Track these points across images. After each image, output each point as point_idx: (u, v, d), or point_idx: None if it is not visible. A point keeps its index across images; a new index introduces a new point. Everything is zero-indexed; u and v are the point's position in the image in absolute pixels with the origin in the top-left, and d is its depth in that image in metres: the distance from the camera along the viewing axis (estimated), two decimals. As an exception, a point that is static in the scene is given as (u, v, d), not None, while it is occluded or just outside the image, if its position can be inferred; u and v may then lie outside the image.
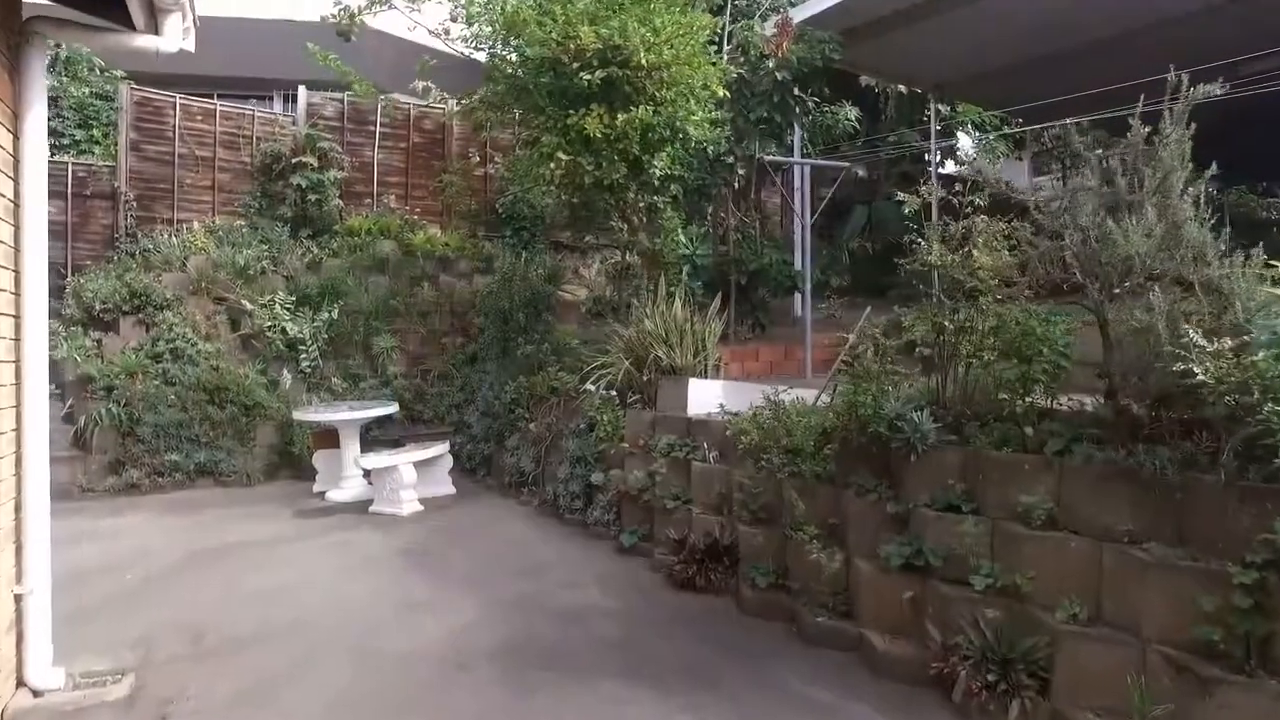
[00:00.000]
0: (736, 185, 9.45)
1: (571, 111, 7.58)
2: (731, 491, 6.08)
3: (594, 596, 5.73)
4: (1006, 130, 15.75)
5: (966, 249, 4.65)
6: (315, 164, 11.68)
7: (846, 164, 9.26)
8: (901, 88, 13.89)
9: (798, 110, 9.03)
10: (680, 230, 8.50)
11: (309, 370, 10.52)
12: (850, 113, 13.83)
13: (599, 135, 7.47)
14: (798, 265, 10.25)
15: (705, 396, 7.37)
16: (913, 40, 10.26)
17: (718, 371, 7.68)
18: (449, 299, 11.85)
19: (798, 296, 10.83)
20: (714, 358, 7.62)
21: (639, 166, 7.94)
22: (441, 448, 9.02)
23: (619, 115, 7.53)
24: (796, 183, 11.05)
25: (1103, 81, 10.88)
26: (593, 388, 7.57)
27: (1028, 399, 4.41)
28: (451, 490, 9.06)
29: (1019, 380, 4.36)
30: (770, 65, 8.63)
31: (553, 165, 7.70)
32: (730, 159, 8.88)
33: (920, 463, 4.69)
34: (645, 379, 7.61)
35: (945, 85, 12.62)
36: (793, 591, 5.21)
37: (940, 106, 13.22)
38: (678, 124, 7.80)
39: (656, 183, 8.16)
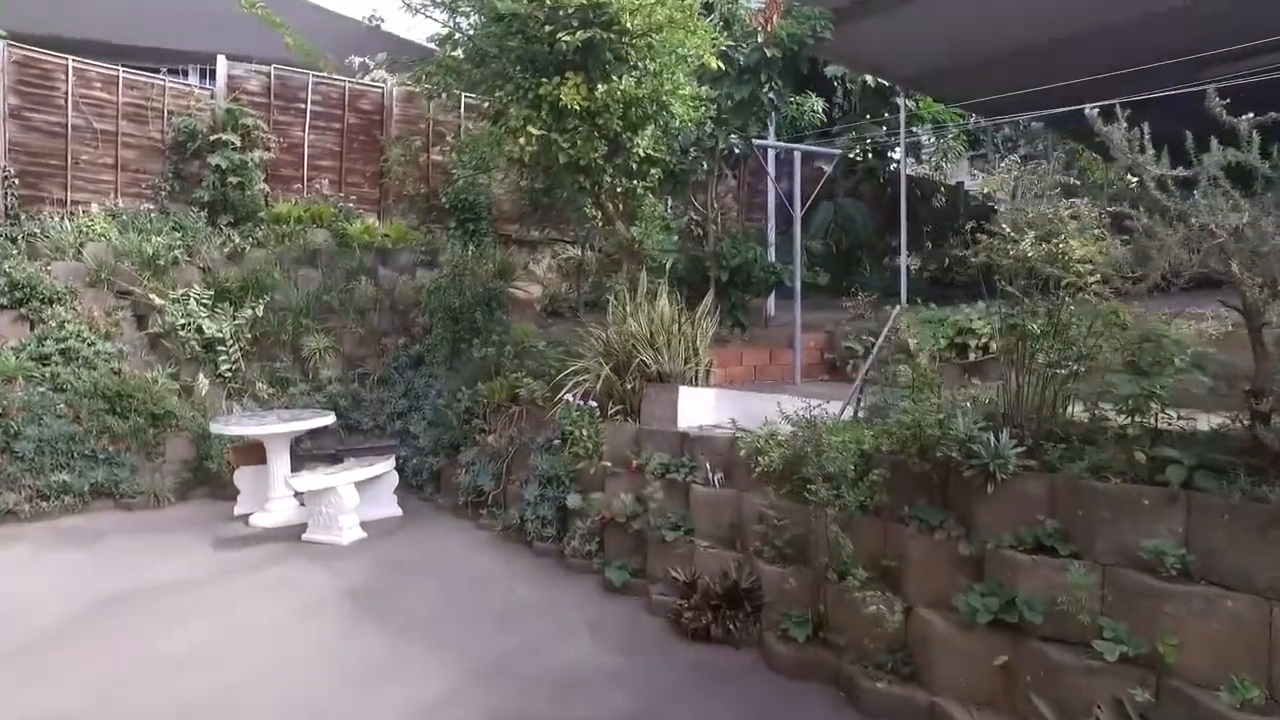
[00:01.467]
0: (717, 172, 8.53)
1: (545, 80, 6.51)
2: (744, 522, 5.14)
3: (590, 652, 4.70)
4: (983, 124, 15.34)
5: (1058, 240, 3.81)
6: (237, 143, 10.23)
7: (839, 151, 8.45)
8: (868, 79, 13.24)
9: (785, 93, 8.17)
10: (664, 220, 7.53)
11: (229, 374, 9.12)
12: (816, 104, 13.14)
13: (576, 108, 6.43)
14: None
15: (697, 407, 6.43)
16: (891, 28, 9.57)
17: (708, 378, 6.75)
18: (390, 295, 10.58)
19: (772, 296, 10.02)
20: (705, 363, 6.68)
21: (618, 146, 6.93)
22: (387, 464, 7.81)
23: (599, 86, 6.51)
24: (772, 170, 10.20)
25: (1074, 78, 10.42)
26: (571, 398, 6.53)
27: (1139, 418, 3.61)
28: (397, 512, 7.87)
29: (1135, 395, 3.54)
30: (759, 40, 7.73)
31: (522, 141, 6.61)
32: (713, 142, 7.95)
33: (999, 493, 3.84)
34: (628, 387, 6.62)
35: (917, 80, 12.03)
36: (837, 648, 4.29)
37: (909, 102, 12.63)
38: (664, 98, 6.83)
39: (635, 165, 7.15)
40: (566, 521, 6.55)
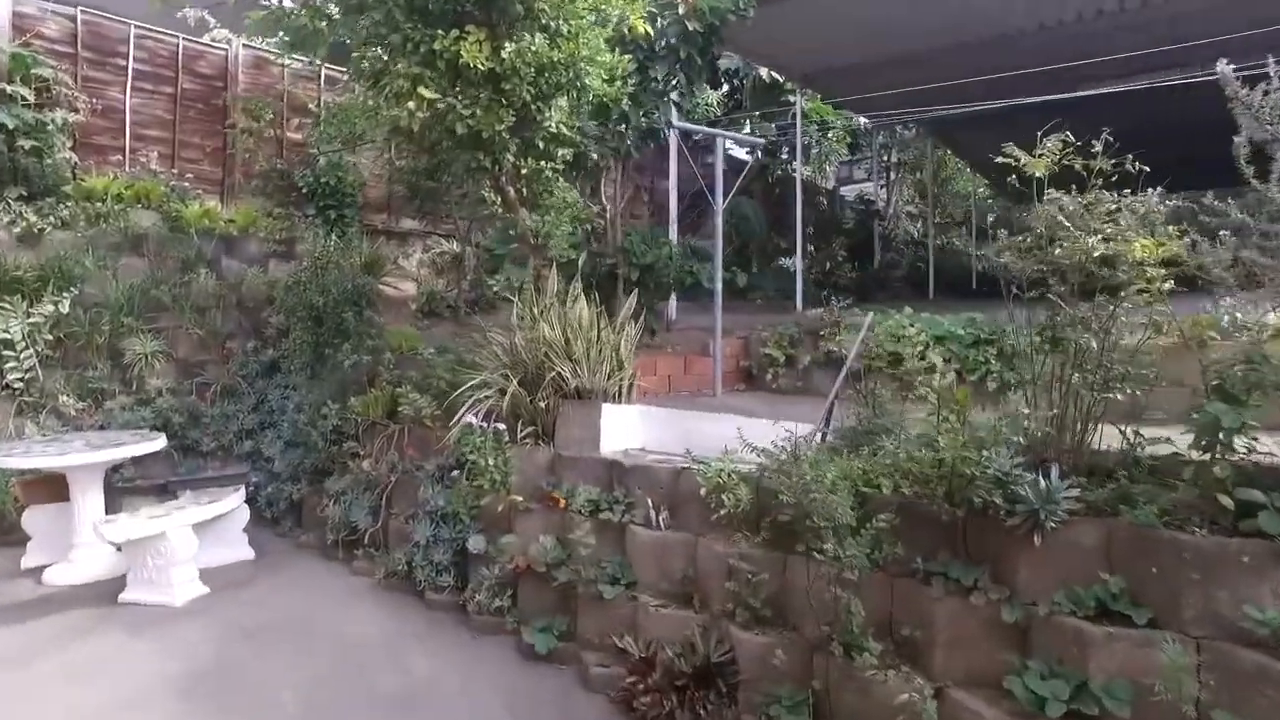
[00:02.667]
0: (626, 159, 7.53)
1: (441, 33, 5.27)
2: (703, 575, 4.18)
3: (521, 757, 3.59)
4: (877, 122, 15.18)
5: (1117, 237, 3.08)
6: (29, 98, 8.19)
7: (763, 139, 7.61)
8: (762, 74, 12.66)
9: (704, 73, 7.30)
10: (576, 210, 6.43)
11: (21, 386, 7.19)
12: (712, 96, 12.44)
13: (480, 69, 5.25)
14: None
15: (622, 428, 5.42)
16: (800, 18, 8.98)
17: (631, 393, 5.74)
18: (236, 290, 8.85)
19: (672, 298, 9.15)
20: (630, 376, 5.68)
21: (527, 119, 5.78)
22: (235, 499, 6.28)
23: (507, 45, 5.35)
24: (673, 161, 9.33)
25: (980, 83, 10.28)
26: (474, 419, 5.32)
27: (1224, 453, 2.93)
28: (249, 554, 6.35)
29: (1229, 427, 2.85)
30: (680, 13, 6.81)
31: (411, 106, 5.33)
32: (628, 123, 6.95)
33: (1046, 545, 3.08)
34: (540, 405, 5.51)
35: (812, 77, 11.56)
36: (844, 739, 3.41)
37: (803, 101, 12.16)
38: (580, 67, 5.75)
39: (544, 144, 6.03)
40: (468, 568, 5.34)
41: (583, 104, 6.18)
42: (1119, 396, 3.19)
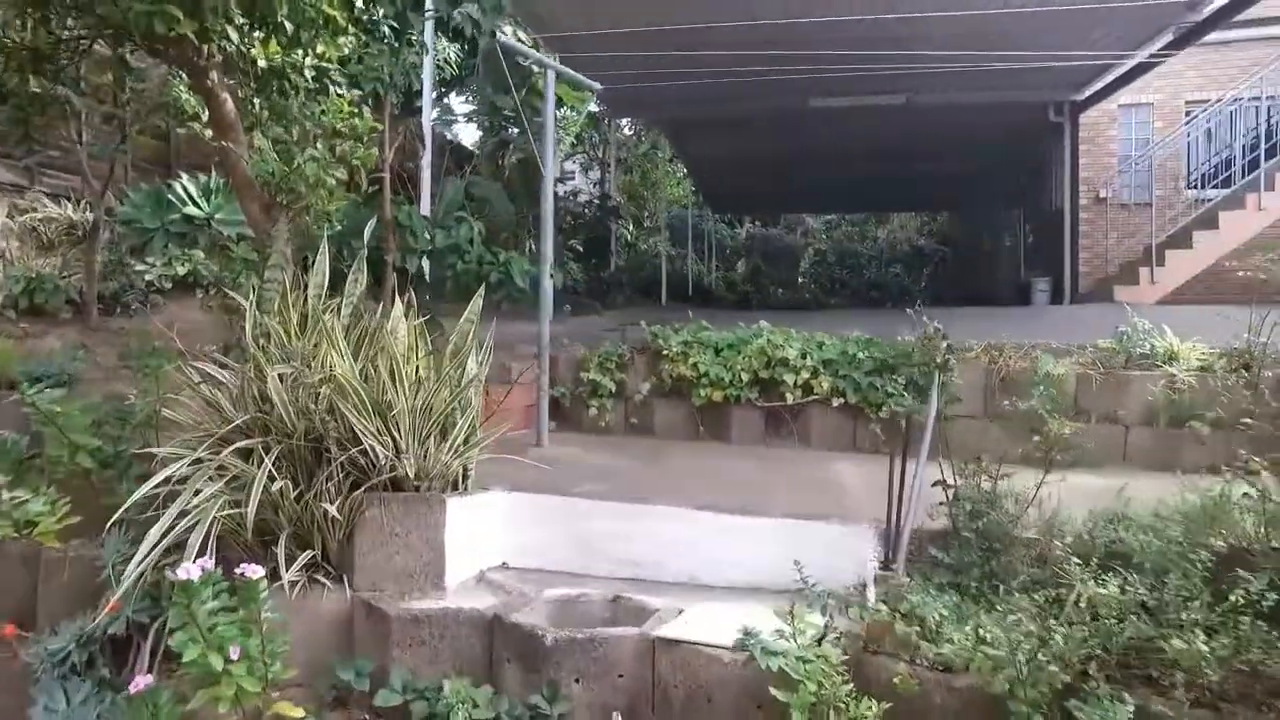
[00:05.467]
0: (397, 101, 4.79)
1: None
2: None
3: None
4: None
5: None
6: None
7: (599, 85, 5.19)
8: (502, 33, 10.25)
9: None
10: (361, 127, 3.51)
11: None
12: (449, 50, 9.75)
13: None
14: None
15: (480, 535, 2.98)
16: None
17: (467, 479, 3.21)
18: None
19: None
20: (479, 446, 3.14)
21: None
22: None
23: None
24: (428, 96, 6.55)
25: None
26: (196, 568, 2.38)
27: None
28: None
29: None
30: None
31: None
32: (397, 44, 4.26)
33: None
34: (320, 507, 2.76)
35: (571, 42, 9.52)
36: None
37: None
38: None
39: (289, 22, 3.20)
40: None
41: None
42: None
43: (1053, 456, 2.64)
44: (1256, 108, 9.59)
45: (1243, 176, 9.31)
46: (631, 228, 16.44)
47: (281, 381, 2.79)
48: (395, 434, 2.81)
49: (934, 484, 2.74)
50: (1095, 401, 4.52)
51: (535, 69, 11.03)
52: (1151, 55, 8.45)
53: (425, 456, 2.86)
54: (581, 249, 12.91)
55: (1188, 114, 10.15)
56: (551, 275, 4.82)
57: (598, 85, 5.17)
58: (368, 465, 2.79)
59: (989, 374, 4.85)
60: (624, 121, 14.87)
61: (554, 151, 4.81)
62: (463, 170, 10.55)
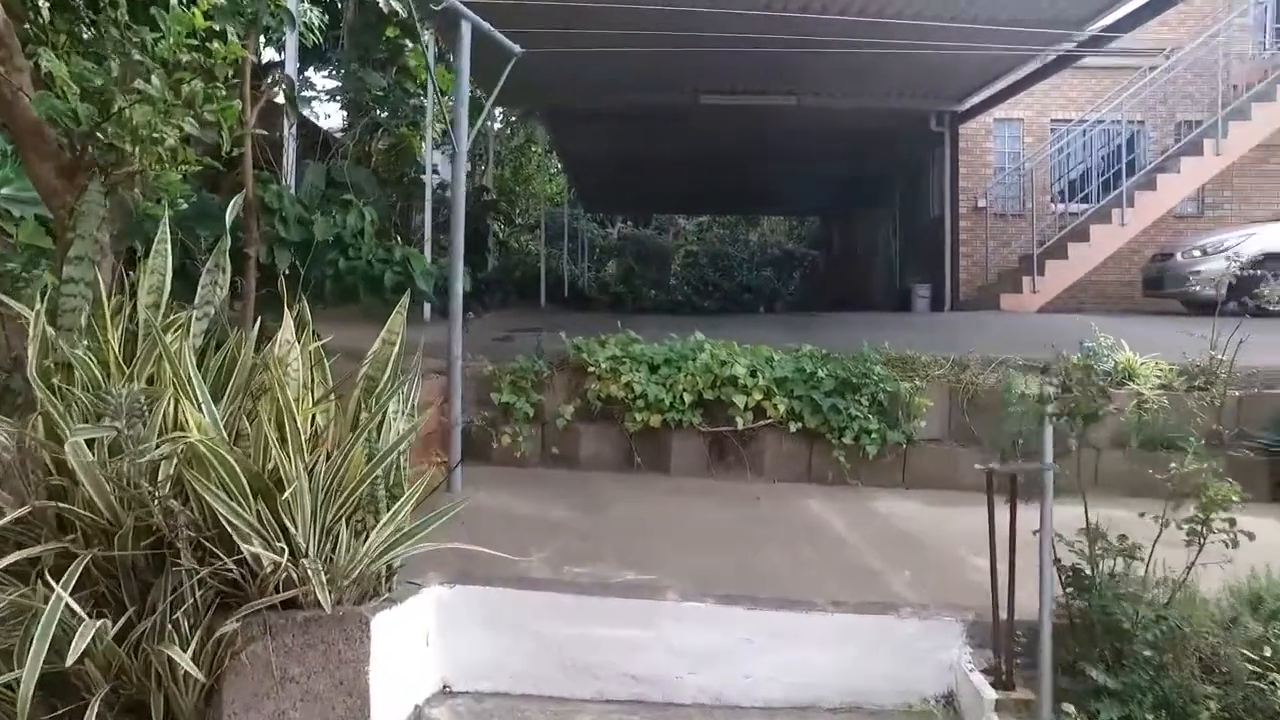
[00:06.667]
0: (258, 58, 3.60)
1: None
2: None
3: None
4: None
5: None
6: None
7: (520, 49, 4.11)
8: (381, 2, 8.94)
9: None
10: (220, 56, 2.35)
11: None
12: (311, 15, 8.27)
13: None
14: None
15: (409, 655, 2.01)
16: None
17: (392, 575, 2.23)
18: None
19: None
20: (406, 534, 2.16)
21: None
22: None
23: None
24: (291, 47, 5.31)
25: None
26: None
27: None
28: None
29: None
30: None
31: None
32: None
33: None
34: (162, 657, 1.70)
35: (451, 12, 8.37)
36: None
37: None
38: None
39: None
40: None
41: None
42: None
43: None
44: (1108, 130, 10.07)
45: (1101, 193, 9.72)
46: (503, 225, 15.32)
47: (91, 449, 1.70)
48: (290, 524, 1.79)
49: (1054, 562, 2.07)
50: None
51: (408, 44, 9.78)
52: (1034, 72, 8.58)
53: (334, 557, 1.86)
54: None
55: (1053, 130, 10.51)
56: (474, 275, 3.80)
57: (518, 48, 4.13)
58: (244, 575, 1.76)
59: (953, 393, 4.41)
60: (497, 112, 13.73)
61: (467, 124, 3.79)
62: (320, 155, 9.09)
